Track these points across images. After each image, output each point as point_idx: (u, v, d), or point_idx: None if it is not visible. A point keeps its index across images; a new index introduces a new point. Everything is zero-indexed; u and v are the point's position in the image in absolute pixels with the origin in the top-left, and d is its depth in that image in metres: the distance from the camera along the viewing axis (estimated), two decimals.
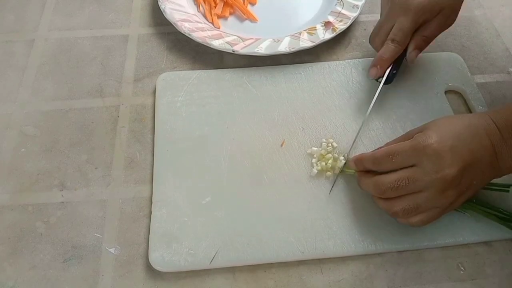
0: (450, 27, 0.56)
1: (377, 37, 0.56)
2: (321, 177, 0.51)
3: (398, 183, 0.43)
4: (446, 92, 0.59)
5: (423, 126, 0.46)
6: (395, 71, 0.56)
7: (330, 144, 0.53)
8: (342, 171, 0.51)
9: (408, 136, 0.46)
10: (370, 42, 0.58)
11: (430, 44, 0.56)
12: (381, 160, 0.45)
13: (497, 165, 0.44)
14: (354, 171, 0.50)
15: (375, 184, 0.45)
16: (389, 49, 0.54)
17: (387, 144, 0.48)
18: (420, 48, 0.56)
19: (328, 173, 0.51)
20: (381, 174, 0.45)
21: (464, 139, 0.43)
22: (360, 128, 0.54)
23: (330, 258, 0.47)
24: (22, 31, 0.67)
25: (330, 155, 0.52)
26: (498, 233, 0.48)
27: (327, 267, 0.46)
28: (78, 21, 0.69)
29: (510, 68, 0.63)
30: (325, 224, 0.48)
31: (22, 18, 0.69)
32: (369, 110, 0.54)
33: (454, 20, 0.56)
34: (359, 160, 0.48)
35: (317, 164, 0.51)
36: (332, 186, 0.50)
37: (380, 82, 0.56)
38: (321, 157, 0.52)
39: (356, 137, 0.54)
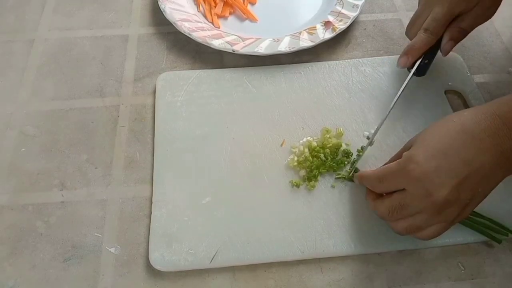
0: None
1: (412, 28, 0.55)
2: (321, 177, 0.51)
3: (392, 209, 0.43)
4: (446, 92, 0.59)
5: (414, 138, 0.44)
6: (426, 61, 0.54)
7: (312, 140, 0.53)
8: (344, 175, 0.51)
9: (404, 149, 0.45)
10: (406, 33, 0.57)
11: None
12: (373, 184, 0.45)
13: (507, 162, 0.40)
14: (345, 176, 0.51)
15: (374, 208, 0.46)
16: (420, 39, 0.53)
17: (391, 160, 0.47)
18: (456, 40, 0.54)
19: (302, 171, 0.51)
20: (380, 197, 0.45)
21: (455, 151, 0.40)
22: (383, 121, 0.51)
23: (330, 257, 0.47)
24: (22, 31, 0.67)
25: (307, 149, 0.52)
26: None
27: (327, 266, 0.46)
28: (78, 21, 0.69)
29: (510, 68, 0.63)
30: (325, 223, 0.48)
31: (22, 18, 0.69)
32: (394, 100, 0.52)
33: (494, 12, 0.54)
34: (360, 178, 0.48)
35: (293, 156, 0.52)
36: (352, 171, 0.51)
37: (410, 72, 0.54)
38: (299, 152, 0.52)
39: (378, 128, 0.51)
